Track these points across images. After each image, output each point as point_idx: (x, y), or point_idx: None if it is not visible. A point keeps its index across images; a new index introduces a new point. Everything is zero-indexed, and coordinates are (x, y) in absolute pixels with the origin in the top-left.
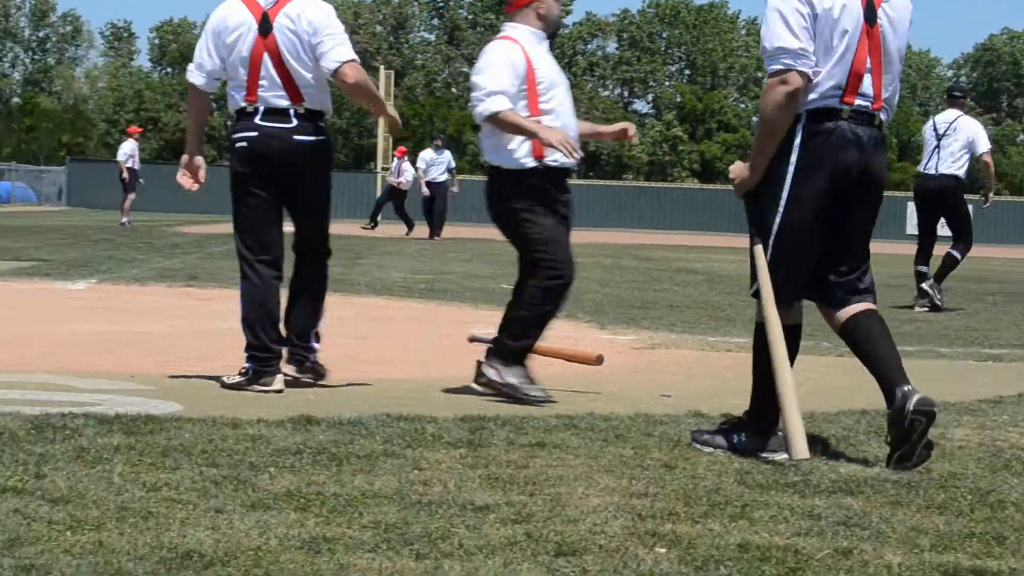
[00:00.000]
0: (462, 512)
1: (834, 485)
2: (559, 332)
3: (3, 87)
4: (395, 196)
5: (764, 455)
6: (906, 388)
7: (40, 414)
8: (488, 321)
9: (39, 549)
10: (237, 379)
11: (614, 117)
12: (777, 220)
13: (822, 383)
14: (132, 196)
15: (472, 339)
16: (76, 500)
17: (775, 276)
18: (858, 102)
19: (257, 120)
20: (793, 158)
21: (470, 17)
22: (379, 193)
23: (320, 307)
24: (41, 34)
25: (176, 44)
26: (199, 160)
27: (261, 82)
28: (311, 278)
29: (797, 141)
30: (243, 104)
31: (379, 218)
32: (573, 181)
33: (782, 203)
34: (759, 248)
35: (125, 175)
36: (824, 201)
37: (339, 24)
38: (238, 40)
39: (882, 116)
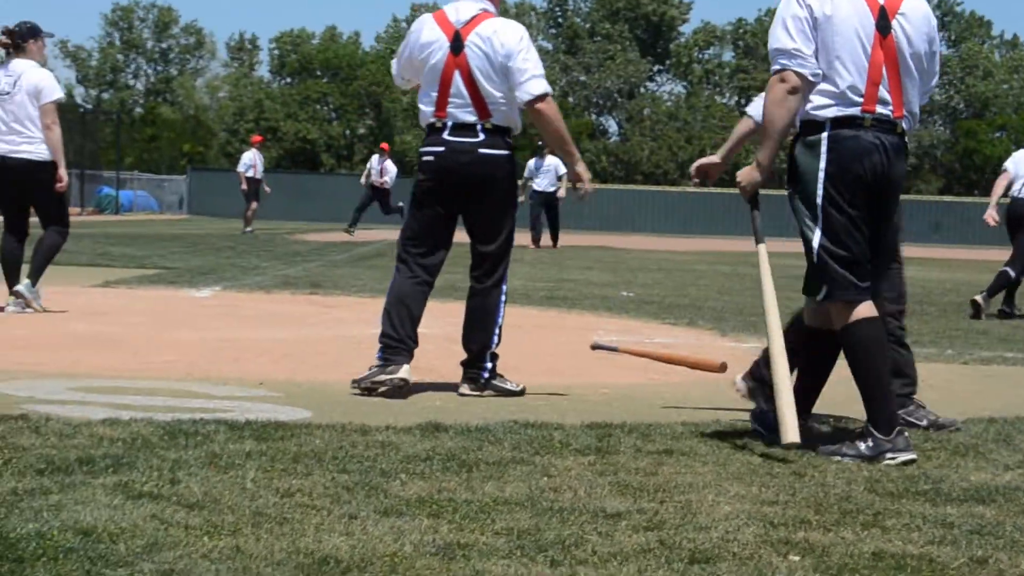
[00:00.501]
0: (594, 519)
1: (965, 493)
2: (681, 339)
3: (126, 97)
4: (378, 196)
5: (890, 455)
6: (904, 435)
7: (172, 420)
8: (609, 329)
9: (177, 554)
10: (366, 373)
11: (731, 125)
12: (819, 226)
13: (949, 390)
14: (255, 205)
15: (595, 346)
16: (211, 505)
17: (832, 275)
18: (879, 110)
19: (445, 135)
20: (822, 164)
21: (588, 26)
22: (400, 200)
23: (493, 326)
24: (164, 45)
25: (296, 55)
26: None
27: (451, 99)
28: (485, 297)
29: (824, 148)
30: (432, 119)
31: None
32: (688, 189)
33: (819, 209)
34: (762, 248)
35: (244, 185)
36: (855, 200)
37: (533, 49)
38: (430, 57)
39: (903, 124)
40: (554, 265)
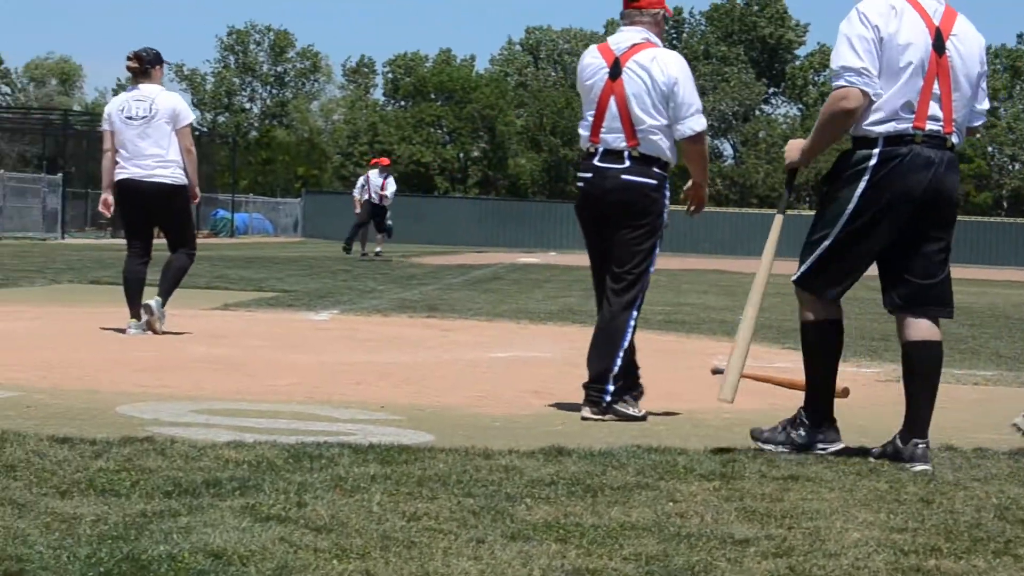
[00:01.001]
0: (722, 545)
1: None
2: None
3: (241, 121)
4: (377, 212)
5: (820, 447)
6: (920, 446)
7: (296, 443)
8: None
9: None
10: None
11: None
12: (838, 227)
13: None
14: (371, 228)
15: (715, 371)
16: (339, 529)
17: (824, 272)
18: (930, 126)
19: (595, 161)
20: (865, 177)
21: (703, 48)
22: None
23: (617, 349)
24: (280, 69)
25: (410, 77)
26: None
27: (604, 124)
28: (614, 319)
29: (872, 163)
30: (587, 145)
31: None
32: (804, 212)
33: (846, 215)
34: (779, 219)
35: (357, 208)
36: (887, 220)
37: (692, 81)
38: (593, 84)
39: (954, 139)
40: (671, 289)
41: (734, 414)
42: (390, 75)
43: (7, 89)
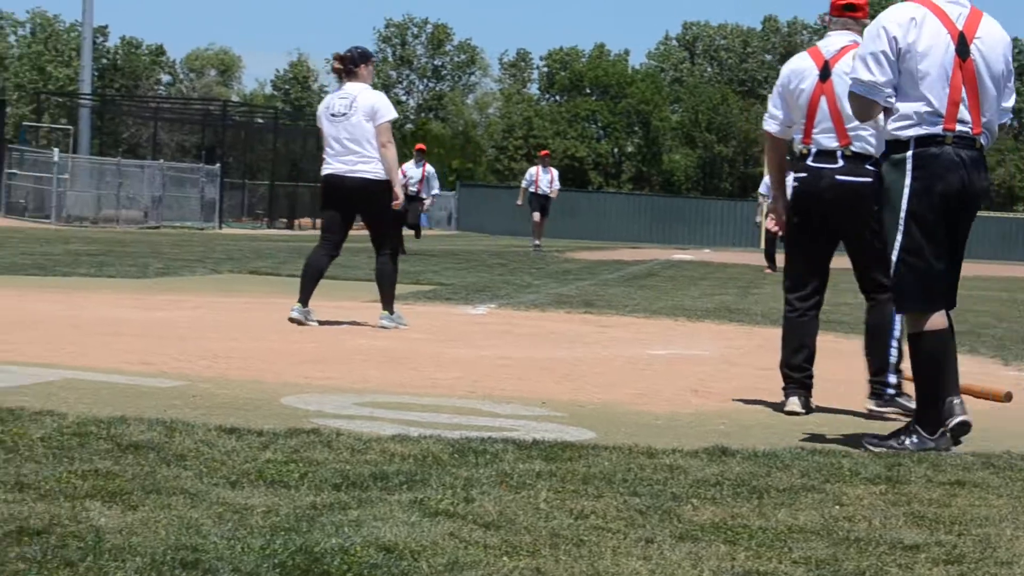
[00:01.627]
0: (892, 551)
1: None
2: (964, 368)
3: (398, 113)
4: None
5: (931, 447)
6: (956, 401)
7: (461, 438)
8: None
9: (479, 573)
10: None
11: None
12: (899, 237)
13: None
14: (536, 217)
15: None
16: (507, 525)
17: (906, 286)
18: (959, 128)
19: (809, 161)
20: (907, 180)
21: None
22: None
23: (889, 339)
24: (437, 62)
25: (565, 72)
26: (781, 207)
27: (816, 125)
28: (881, 310)
29: (910, 166)
30: (800, 147)
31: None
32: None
33: (901, 222)
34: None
35: (519, 201)
36: (941, 216)
37: None
38: (801, 87)
39: (982, 140)
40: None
41: (898, 417)
42: (546, 69)
43: (169, 79)
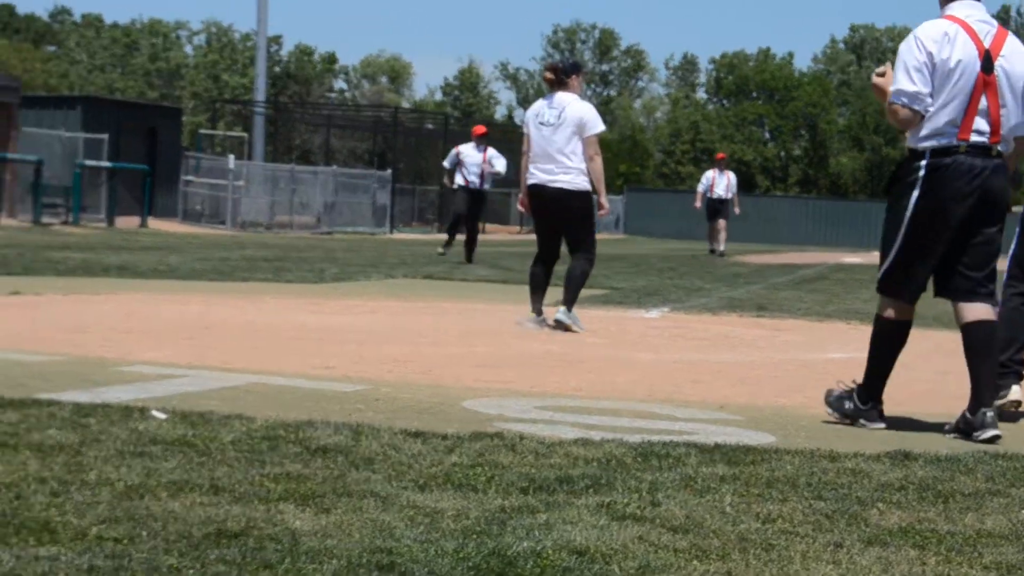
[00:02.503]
0: None
1: None
2: None
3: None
4: (476, 199)
5: (862, 420)
6: (989, 415)
7: (642, 441)
8: None
9: None
10: None
11: None
12: (900, 235)
13: None
14: (716, 225)
15: None
16: (695, 529)
17: (898, 275)
18: (974, 138)
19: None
20: (917, 186)
21: None
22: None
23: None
24: (605, 67)
25: (732, 76)
26: None
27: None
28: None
29: (921, 174)
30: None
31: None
32: None
33: (905, 223)
34: None
35: (697, 204)
36: (942, 221)
37: None
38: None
39: (1000, 148)
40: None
41: None
42: (713, 73)
43: (344, 85)
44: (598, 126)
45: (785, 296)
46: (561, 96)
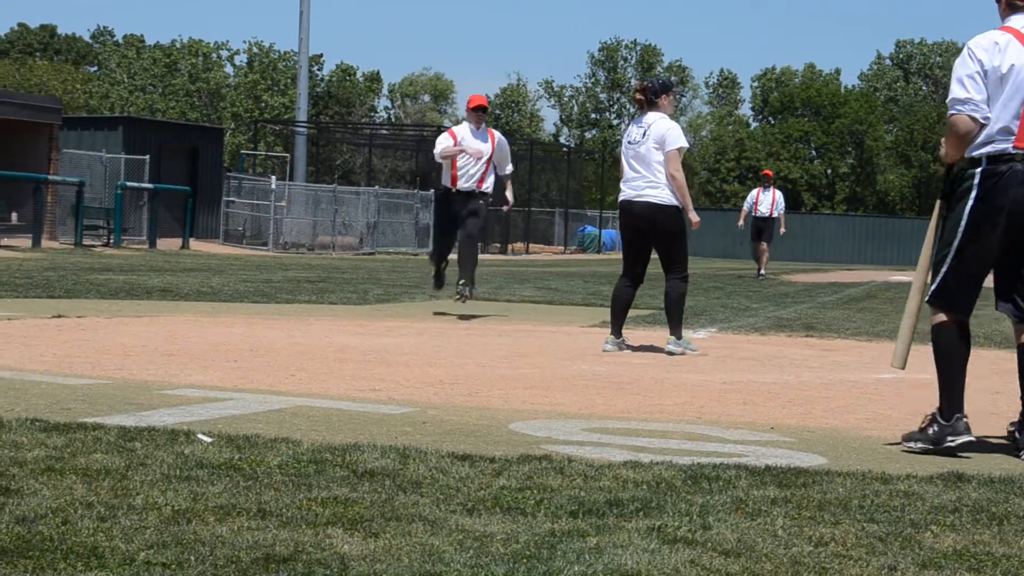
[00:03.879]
0: None
1: None
2: None
3: (609, 137)
4: (764, 227)
5: (951, 438)
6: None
7: (692, 464)
8: None
9: None
10: None
11: None
12: (956, 243)
13: None
14: (759, 246)
15: None
16: (747, 553)
17: (952, 286)
18: None
19: None
20: (973, 194)
21: None
22: None
23: None
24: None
25: (777, 93)
26: None
27: None
28: None
29: (976, 180)
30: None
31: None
32: None
33: (961, 230)
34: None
35: (740, 222)
36: (998, 230)
37: None
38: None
39: None
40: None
41: None
42: (758, 90)
43: (388, 103)
44: (678, 142)
45: (834, 316)
46: (650, 115)
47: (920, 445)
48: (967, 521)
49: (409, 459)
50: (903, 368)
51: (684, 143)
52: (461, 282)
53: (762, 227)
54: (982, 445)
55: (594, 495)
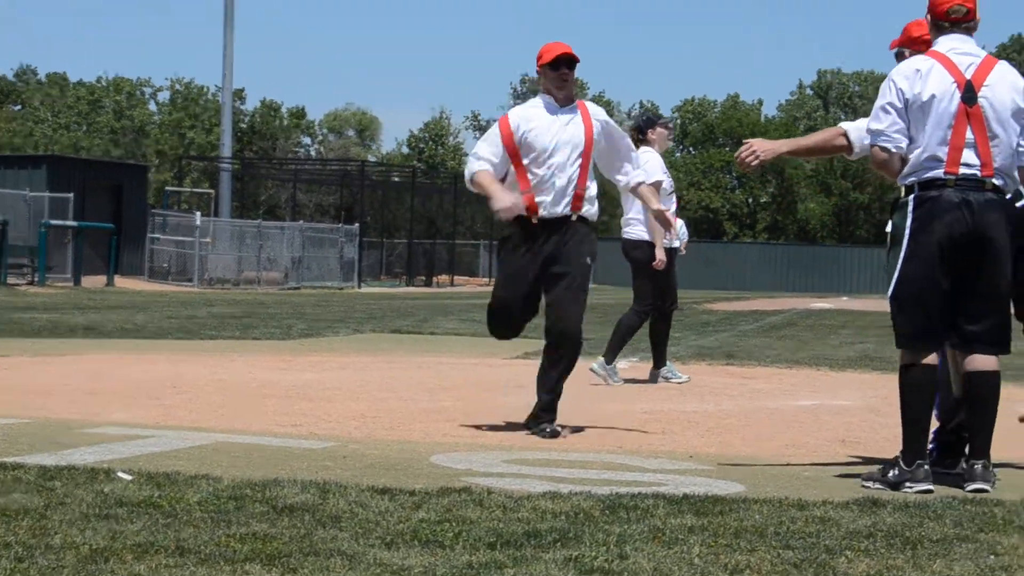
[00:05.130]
0: None
1: None
2: None
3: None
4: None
5: (909, 484)
6: (977, 467)
7: (610, 494)
8: None
9: None
10: None
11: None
12: (897, 274)
13: None
14: None
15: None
16: None
17: (899, 320)
18: (963, 171)
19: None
20: (909, 221)
21: None
22: None
23: None
24: None
25: (698, 123)
26: None
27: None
28: None
29: (911, 208)
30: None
31: None
32: None
33: (901, 258)
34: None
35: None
36: (937, 257)
37: None
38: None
39: (996, 181)
40: None
41: None
42: (679, 120)
43: (308, 140)
44: (652, 176)
45: (755, 343)
46: (641, 151)
47: (878, 487)
48: (881, 546)
49: (329, 494)
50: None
51: (658, 177)
52: (543, 412)
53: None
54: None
55: (512, 526)
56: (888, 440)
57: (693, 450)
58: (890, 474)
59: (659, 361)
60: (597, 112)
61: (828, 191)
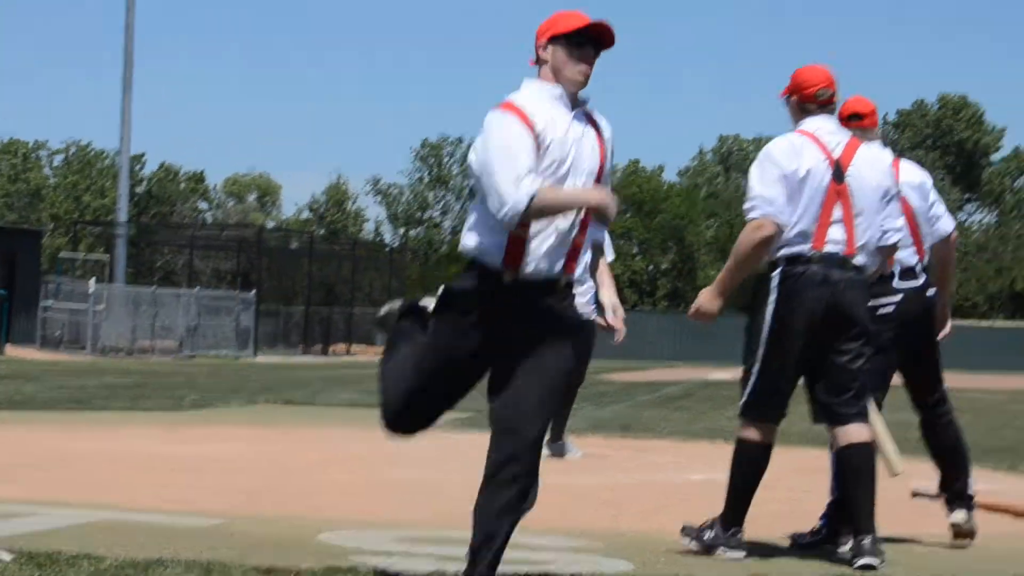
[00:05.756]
0: None
1: None
2: (1005, 485)
3: (433, 236)
4: None
5: (723, 549)
6: (865, 542)
7: (499, 574)
8: (926, 474)
9: None
10: None
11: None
12: (761, 352)
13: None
14: None
15: (915, 494)
16: None
17: (759, 398)
18: (828, 248)
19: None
20: (773, 297)
21: (898, 153)
22: None
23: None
24: (471, 182)
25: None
26: None
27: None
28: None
29: (775, 283)
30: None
31: None
32: (998, 324)
33: (764, 336)
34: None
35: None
36: (798, 334)
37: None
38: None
39: (859, 260)
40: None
41: (940, 540)
42: None
43: (206, 205)
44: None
45: (651, 415)
46: None
47: (694, 545)
48: None
49: (212, 574)
50: (901, 471)
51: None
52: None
53: None
54: (797, 545)
55: None
56: (777, 516)
57: (585, 526)
58: (706, 536)
59: (556, 435)
60: (607, 127)
61: (728, 258)
